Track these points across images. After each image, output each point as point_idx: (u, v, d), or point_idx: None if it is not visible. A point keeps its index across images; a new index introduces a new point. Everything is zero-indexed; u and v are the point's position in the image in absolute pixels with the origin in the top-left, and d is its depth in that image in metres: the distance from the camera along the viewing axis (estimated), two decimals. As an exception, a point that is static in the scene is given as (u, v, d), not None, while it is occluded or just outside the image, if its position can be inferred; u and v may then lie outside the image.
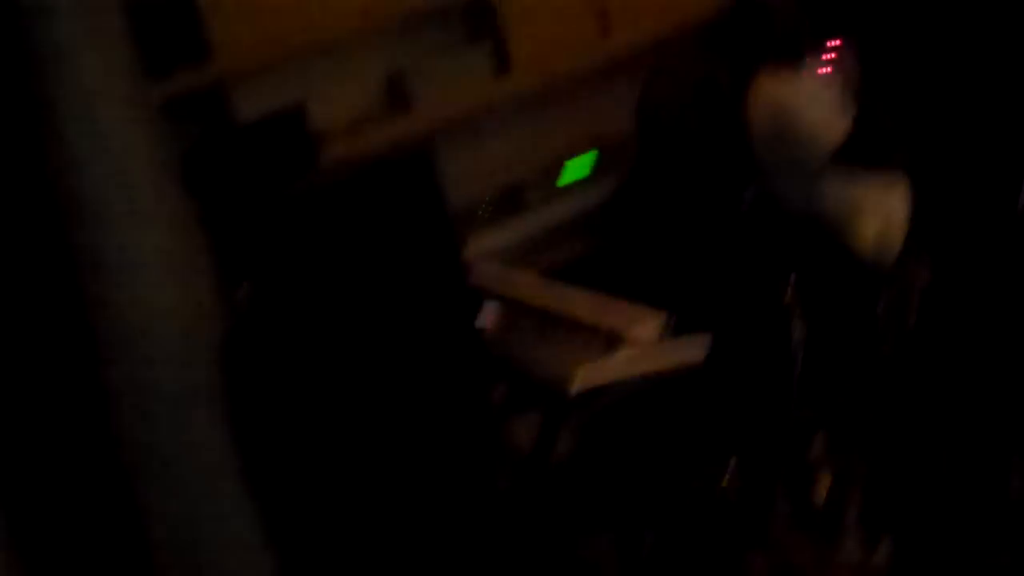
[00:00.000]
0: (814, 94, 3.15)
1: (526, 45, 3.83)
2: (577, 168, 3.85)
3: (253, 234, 2.21)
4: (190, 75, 3.32)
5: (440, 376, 2.27)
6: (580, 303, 2.71)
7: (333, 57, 3.70)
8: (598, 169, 3.85)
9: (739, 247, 3.34)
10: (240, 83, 3.46)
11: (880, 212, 3.11)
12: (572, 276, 3.50)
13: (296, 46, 3.53)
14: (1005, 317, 3.09)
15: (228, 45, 3.37)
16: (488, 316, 2.73)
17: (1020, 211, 2.94)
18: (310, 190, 2.24)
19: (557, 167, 3.92)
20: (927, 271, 3.10)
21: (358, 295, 2.18)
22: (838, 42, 3.26)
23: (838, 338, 3.04)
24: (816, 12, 3.21)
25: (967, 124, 3.22)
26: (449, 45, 3.88)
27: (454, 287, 2.21)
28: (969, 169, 3.10)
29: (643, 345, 2.38)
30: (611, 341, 2.47)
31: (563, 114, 4.03)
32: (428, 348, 2.27)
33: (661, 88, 3.47)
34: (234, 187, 2.79)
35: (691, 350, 2.32)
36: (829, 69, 3.21)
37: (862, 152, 3.06)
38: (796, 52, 3.24)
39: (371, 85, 3.78)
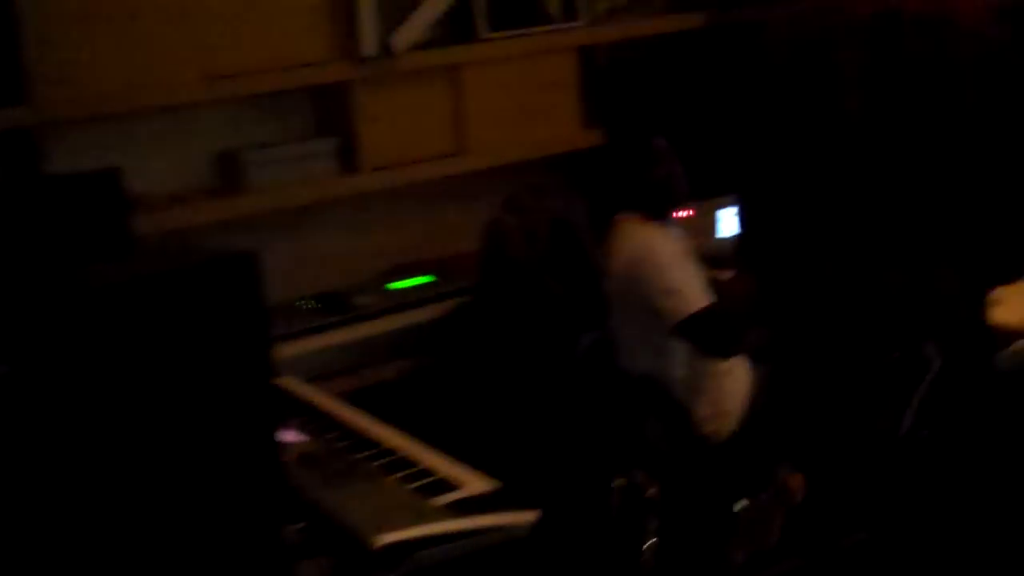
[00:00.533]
0: (677, 251, 3.00)
1: (377, 146, 3.61)
2: (413, 282, 3.61)
3: (27, 308, 1.88)
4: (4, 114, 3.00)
5: (227, 506, 1.96)
6: (401, 446, 2.45)
7: (167, 123, 3.42)
8: (434, 285, 3.60)
9: (568, 394, 3.15)
10: (59, 134, 3.15)
11: (718, 391, 2.97)
12: (396, 393, 3.27)
13: (128, 105, 3.26)
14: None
15: (50, 91, 3.08)
16: (291, 442, 2.43)
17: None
18: (111, 274, 1.92)
19: (392, 276, 3.69)
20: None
21: (139, 400, 1.87)
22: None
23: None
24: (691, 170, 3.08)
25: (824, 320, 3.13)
26: (294, 133, 3.63)
27: (256, 408, 1.92)
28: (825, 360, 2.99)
29: (465, 507, 2.13)
30: (428, 494, 2.21)
31: (405, 222, 3.82)
32: (218, 472, 1.96)
33: (515, 216, 3.28)
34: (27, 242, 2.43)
35: (515, 522, 2.08)
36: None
37: (711, 332, 2.93)
38: (665, 205, 3.12)
39: (203, 160, 3.50)
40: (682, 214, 3.29)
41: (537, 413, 3.11)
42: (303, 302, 3.52)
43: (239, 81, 3.39)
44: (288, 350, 3.20)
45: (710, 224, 3.76)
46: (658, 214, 3.10)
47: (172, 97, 3.33)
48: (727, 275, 3.59)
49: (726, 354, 2.95)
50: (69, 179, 2.91)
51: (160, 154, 3.44)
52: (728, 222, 3.76)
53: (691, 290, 2.93)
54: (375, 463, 2.38)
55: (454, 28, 3.81)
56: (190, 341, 1.86)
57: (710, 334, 2.91)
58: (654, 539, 2.85)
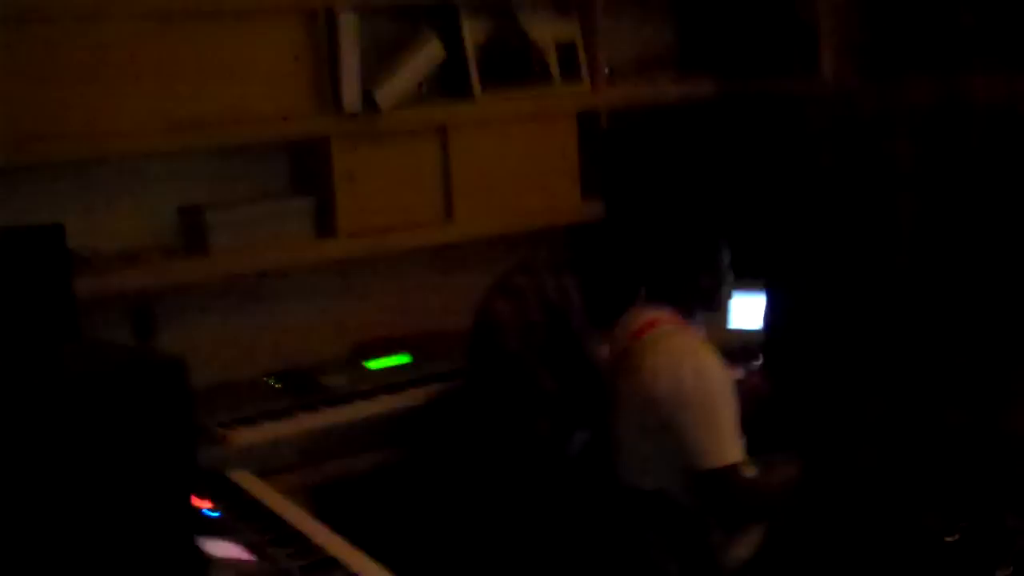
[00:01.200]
0: (727, 377, 2.66)
1: (356, 210, 3.29)
2: (388, 362, 3.26)
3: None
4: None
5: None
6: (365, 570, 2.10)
7: (125, 175, 3.10)
8: (412, 367, 3.25)
9: (557, 498, 2.81)
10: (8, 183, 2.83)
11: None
12: (366, 490, 2.92)
13: (84, 152, 2.93)
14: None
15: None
16: (230, 561, 2.08)
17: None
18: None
19: (365, 352, 3.34)
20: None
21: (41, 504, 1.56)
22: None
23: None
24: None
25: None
26: (266, 191, 3.31)
27: (172, 535, 1.59)
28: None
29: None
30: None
31: (382, 294, 3.48)
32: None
33: (509, 303, 2.94)
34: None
35: None
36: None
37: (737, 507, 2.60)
38: (705, 308, 2.79)
39: (164, 216, 3.18)
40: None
41: (523, 522, 2.75)
42: (267, 379, 3.17)
43: (206, 131, 3.08)
44: (246, 436, 2.85)
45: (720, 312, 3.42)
46: (692, 313, 2.78)
47: (132, 146, 3.01)
48: (739, 372, 3.27)
49: (739, 527, 2.63)
50: (7, 233, 2.60)
51: (117, 208, 3.11)
52: (744, 311, 3.43)
53: (732, 432, 2.61)
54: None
55: (445, 84, 3.51)
56: (100, 449, 1.54)
57: (736, 508, 2.60)
58: None
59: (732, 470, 2.58)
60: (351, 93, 3.19)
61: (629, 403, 2.68)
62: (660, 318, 2.74)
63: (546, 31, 3.65)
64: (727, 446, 2.58)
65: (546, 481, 2.82)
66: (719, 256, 2.78)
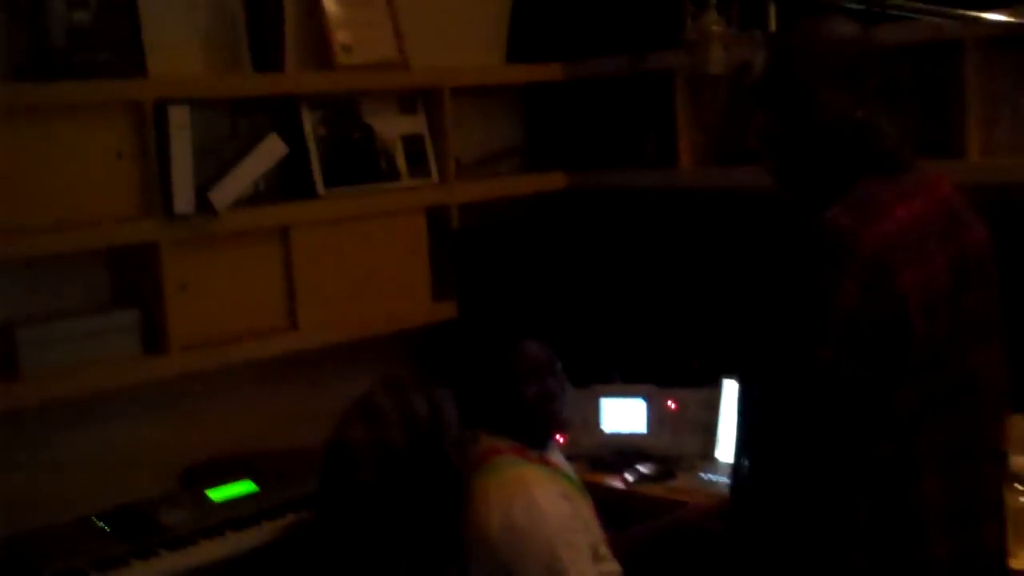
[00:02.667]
0: (566, 513, 2.42)
1: (188, 321, 2.96)
2: (231, 491, 2.91)
3: None
4: None
5: None
6: None
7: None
8: (259, 497, 2.91)
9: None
10: None
11: None
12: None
13: None
14: None
15: None
16: None
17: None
18: None
19: (204, 479, 2.98)
20: None
21: None
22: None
23: None
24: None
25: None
26: (85, 305, 2.94)
27: None
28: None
29: None
30: None
31: (221, 412, 3.14)
32: None
33: (365, 428, 2.65)
34: None
35: None
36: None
37: None
38: (542, 431, 2.56)
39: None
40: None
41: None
42: (95, 520, 2.76)
43: (16, 239, 2.71)
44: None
45: (592, 416, 3.22)
46: (535, 442, 2.54)
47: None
48: (616, 480, 3.06)
49: None
50: None
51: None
52: (622, 415, 3.22)
53: (581, 570, 2.36)
54: None
55: (285, 183, 3.23)
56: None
57: None
58: None
59: None
60: (183, 194, 2.88)
61: (471, 544, 2.44)
62: (499, 447, 2.52)
63: (392, 125, 3.43)
64: None
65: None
66: (534, 366, 2.54)
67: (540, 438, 2.55)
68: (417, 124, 3.49)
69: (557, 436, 2.69)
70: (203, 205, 2.93)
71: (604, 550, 2.49)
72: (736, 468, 1.94)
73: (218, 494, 2.87)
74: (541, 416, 2.54)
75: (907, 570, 1.79)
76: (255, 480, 2.95)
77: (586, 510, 2.53)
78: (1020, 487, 2.36)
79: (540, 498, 2.38)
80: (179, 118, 2.86)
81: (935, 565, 1.79)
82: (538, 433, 2.55)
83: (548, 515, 2.36)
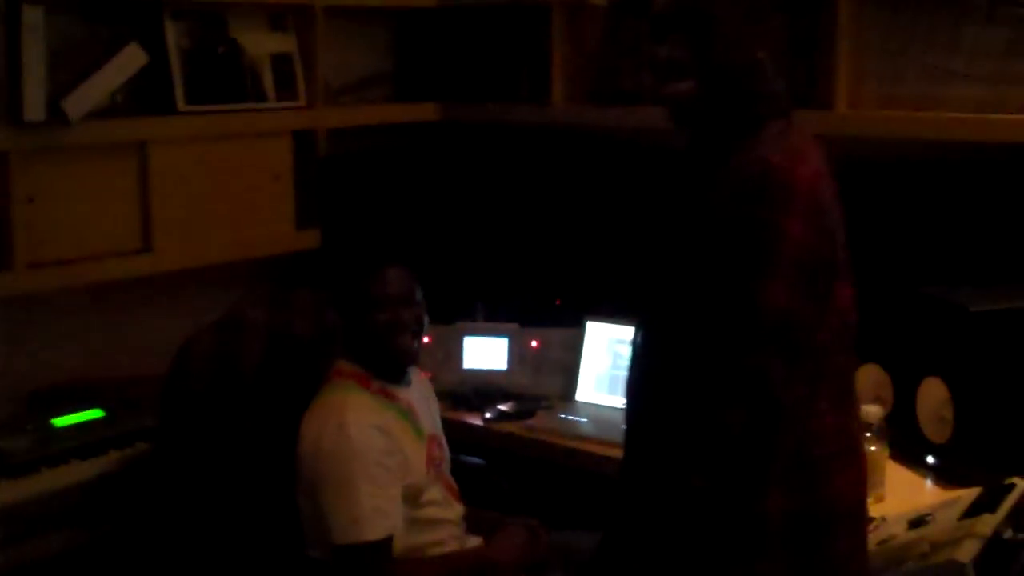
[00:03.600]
0: (377, 448, 2.37)
1: (36, 237, 2.81)
2: (78, 418, 2.78)
3: None
4: None
5: None
6: None
7: None
8: (106, 423, 2.79)
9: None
10: None
11: None
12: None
13: None
14: None
15: None
16: None
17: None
18: None
19: (52, 405, 2.84)
20: None
21: None
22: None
23: None
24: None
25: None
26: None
27: None
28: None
29: None
30: None
31: (70, 335, 3.00)
32: None
33: (215, 334, 2.56)
34: None
35: None
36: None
37: None
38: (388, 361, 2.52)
39: None
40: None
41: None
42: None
43: None
44: None
45: (455, 352, 3.18)
46: (382, 372, 2.49)
47: None
48: (475, 418, 3.04)
49: None
50: None
51: None
52: (477, 352, 3.19)
53: (375, 505, 2.32)
54: None
55: (145, 97, 3.07)
56: None
57: None
58: None
59: (364, 550, 2.29)
60: (34, 100, 2.70)
61: (295, 461, 2.41)
62: (343, 369, 2.48)
63: (261, 43, 3.29)
64: (363, 521, 2.29)
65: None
66: (388, 293, 2.48)
67: (387, 368, 2.49)
68: (287, 43, 3.36)
69: (416, 371, 2.63)
70: (55, 114, 2.77)
71: (435, 496, 2.48)
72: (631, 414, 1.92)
73: (63, 421, 2.74)
74: (387, 345, 2.48)
75: (814, 504, 1.80)
76: (104, 407, 2.82)
77: (415, 452, 2.47)
78: (869, 435, 2.42)
79: (351, 424, 2.34)
80: (32, 19, 2.68)
81: (837, 501, 1.81)
82: (384, 362, 2.49)
83: (353, 442, 2.32)
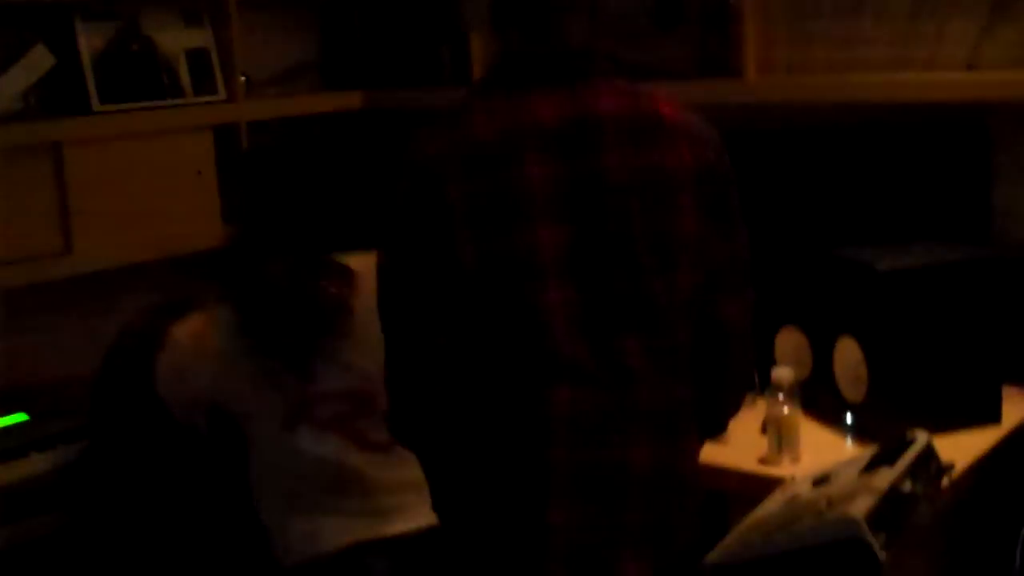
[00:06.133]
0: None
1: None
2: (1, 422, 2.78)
3: None
4: None
5: None
6: None
7: None
8: (31, 427, 2.78)
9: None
10: None
11: None
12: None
13: None
14: None
15: None
16: None
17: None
18: None
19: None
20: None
21: None
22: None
23: None
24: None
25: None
26: None
27: None
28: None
29: None
30: None
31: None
32: None
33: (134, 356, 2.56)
34: None
35: None
36: None
37: None
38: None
39: None
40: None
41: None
42: None
43: None
44: None
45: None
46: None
47: None
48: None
49: None
50: None
51: None
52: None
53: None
54: None
55: (58, 98, 3.06)
56: None
57: None
58: None
59: None
60: (-59, 105, 2.71)
61: None
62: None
63: (174, 39, 3.28)
64: None
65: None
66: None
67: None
68: (202, 38, 3.35)
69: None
70: (-38, 118, 2.77)
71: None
72: None
73: (-8, 424, 2.74)
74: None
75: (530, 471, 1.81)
76: (28, 411, 2.82)
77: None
78: (781, 398, 2.44)
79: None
80: (-69, 25, 2.67)
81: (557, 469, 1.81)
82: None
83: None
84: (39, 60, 2.91)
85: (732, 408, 2.08)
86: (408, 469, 2.09)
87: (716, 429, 2.11)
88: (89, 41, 3.09)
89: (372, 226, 1.91)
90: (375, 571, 2.33)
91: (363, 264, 2.35)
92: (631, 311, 1.83)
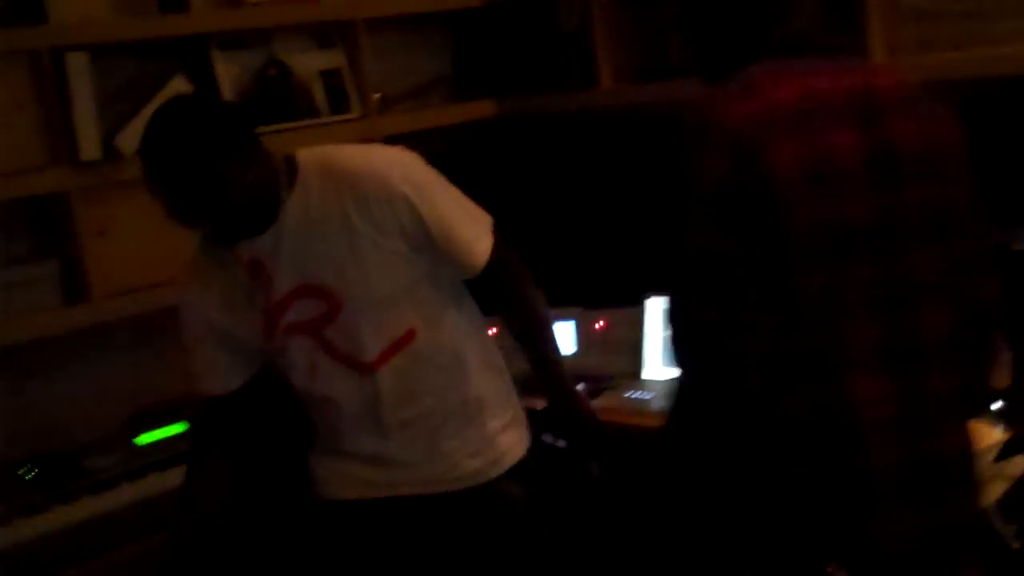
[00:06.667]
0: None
1: (109, 268, 2.97)
2: (160, 434, 2.92)
3: None
4: None
5: None
6: None
7: None
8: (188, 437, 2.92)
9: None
10: None
11: None
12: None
13: None
14: None
15: None
16: None
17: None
18: None
19: (138, 426, 2.99)
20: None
21: None
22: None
23: None
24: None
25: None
26: (5, 257, 2.94)
27: None
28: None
29: None
30: None
31: (150, 359, 3.15)
32: None
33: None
34: None
35: None
36: None
37: None
38: None
39: None
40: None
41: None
42: (20, 470, 2.78)
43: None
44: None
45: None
46: None
47: None
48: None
49: None
50: None
51: None
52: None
53: None
54: None
55: (201, 125, 3.20)
56: None
57: None
58: None
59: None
60: (88, 140, 2.87)
61: None
62: None
63: (308, 61, 3.40)
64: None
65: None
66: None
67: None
68: (335, 59, 3.45)
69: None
70: (111, 151, 2.92)
71: None
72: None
73: (145, 438, 2.88)
74: None
75: (847, 478, 1.71)
76: (189, 421, 2.96)
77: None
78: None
79: None
80: (77, 65, 2.84)
81: (877, 473, 1.71)
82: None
83: None
84: (179, 90, 3.05)
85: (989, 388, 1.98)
86: None
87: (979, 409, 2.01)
88: (227, 70, 3.22)
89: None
90: None
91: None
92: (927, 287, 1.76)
